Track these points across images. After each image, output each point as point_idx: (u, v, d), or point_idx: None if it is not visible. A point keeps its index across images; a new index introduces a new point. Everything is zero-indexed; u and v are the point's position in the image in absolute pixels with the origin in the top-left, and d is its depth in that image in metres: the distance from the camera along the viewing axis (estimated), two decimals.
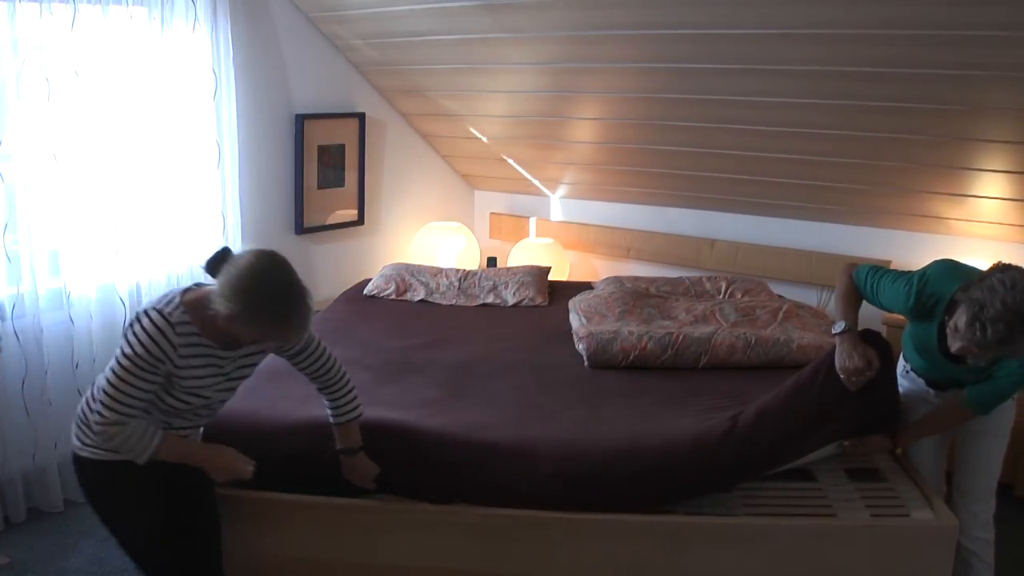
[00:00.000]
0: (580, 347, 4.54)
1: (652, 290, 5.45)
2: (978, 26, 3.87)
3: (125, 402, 2.77)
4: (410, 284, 5.79)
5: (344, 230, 6.52)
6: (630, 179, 6.45)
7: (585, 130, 6.13)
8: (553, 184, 7.03)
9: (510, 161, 6.88)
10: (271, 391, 3.87)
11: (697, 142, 5.63)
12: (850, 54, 4.37)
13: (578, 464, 3.35)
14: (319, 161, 6.15)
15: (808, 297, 5.80)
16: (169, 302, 2.84)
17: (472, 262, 6.94)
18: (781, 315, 4.79)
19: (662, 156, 5.96)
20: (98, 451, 2.93)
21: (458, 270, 5.99)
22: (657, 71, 5.10)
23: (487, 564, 3.07)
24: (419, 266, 6.05)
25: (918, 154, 4.95)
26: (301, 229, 6.14)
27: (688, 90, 5.16)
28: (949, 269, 3.21)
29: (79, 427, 2.99)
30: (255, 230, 5.78)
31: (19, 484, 4.63)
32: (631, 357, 4.42)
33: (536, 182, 7.06)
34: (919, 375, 3.54)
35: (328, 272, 6.45)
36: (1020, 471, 4.88)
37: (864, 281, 3.38)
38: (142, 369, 2.76)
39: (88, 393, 2.99)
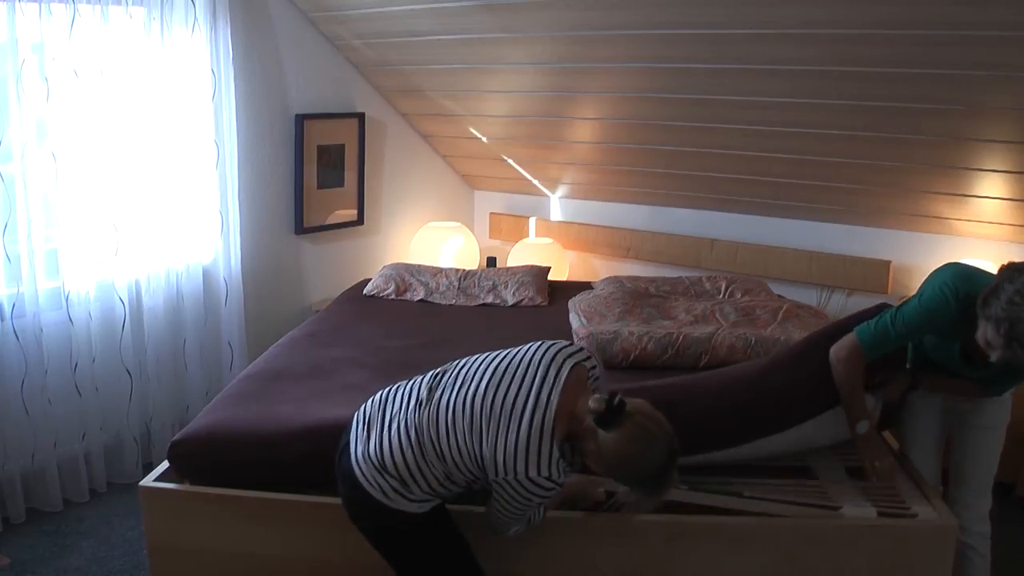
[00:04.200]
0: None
1: (652, 290, 5.44)
2: (979, 26, 3.86)
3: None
4: (410, 284, 5.79)
5: (344, 230, 6.52)
6: (630, 179, 6.45)
7: (585, 130, 6.13)
8: (553, 184, 7.03)
9: (510, 161, 6.88)
10: (270, 396, 3.87)
11: (697, 142, 5.63)
12: (850, 54, 4.37)
13: None
14: (319, 161, 6.15)
15: (808, 297, 5.80)
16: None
17: (472, 262, 6.93)
18: (781, 315, 4.78)
19: (662, 156, 5.96)
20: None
21: (458, 270, 5.98)
22: (657, 71, 5.10)
23: (484, 563, 3.06)
24: (419, 266, 6.04)
25: (918, 154, 4.95)
26: (301, 229, 6.14)
27: (688, 90, 5.16)
28: (960, 271, 3.18)
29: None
30: (254, 230, 5.79)
31: (18, 484, 4.62)
32: (631, 357, 4.42)
33: (536, 182, 7.06)
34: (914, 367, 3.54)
35: (328, 272, 6.45)
36: (1021, 471, 4.88)
37: (880, 339, 3.23)
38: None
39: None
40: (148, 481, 3.47)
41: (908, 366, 3.49)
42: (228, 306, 5.56)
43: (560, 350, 2.89)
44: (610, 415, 2.65)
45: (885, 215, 5.62)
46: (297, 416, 3.59)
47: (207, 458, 3.46)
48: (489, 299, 5.68)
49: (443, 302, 5.65)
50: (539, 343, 2.96)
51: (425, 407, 2.88)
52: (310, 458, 3.39)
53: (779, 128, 5.14)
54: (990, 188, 4.97)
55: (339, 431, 3.32)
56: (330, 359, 4.37)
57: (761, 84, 4.84)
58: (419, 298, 5.68)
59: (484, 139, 6.67)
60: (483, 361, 2.95)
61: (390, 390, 3.08)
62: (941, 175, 5.04)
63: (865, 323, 3.29)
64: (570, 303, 5.22)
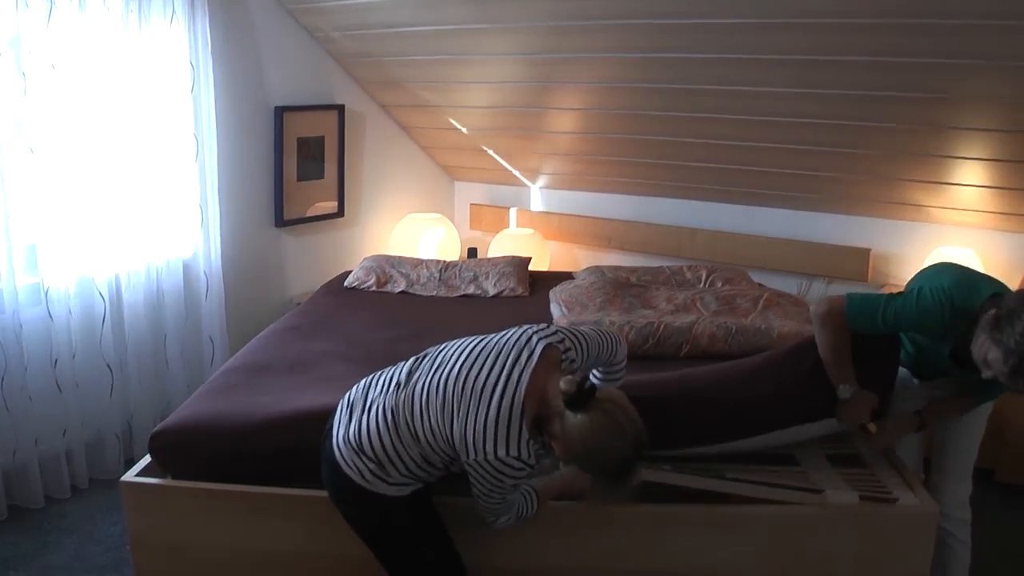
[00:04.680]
0: None
1: (633, 279, 5.45)
2: (958, 15, 3.88)
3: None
4: (391, 276, 5.78)
5: (324, 222, 6.51)
6: (611, 169, 6.46)
7: (565, 120, 6.13)
8: (533, 174, 7.03)
9: (490, 152, 6.87)
10: (252, 389, 3.85)
11: (677, 132, 5.64)
12: (830, 44, 4.38)
13: None
14: (298, 153, 6.13)
15: (788, 285, 5.81)
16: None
17: (453, 253, 6.94)
18: (762, 303, 4.79)
19: (642, 146, 5.97)
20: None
21: (439, 261, 5.98)
22: (637, 61, 5.11)
23: (468, 554, 3.06)
24: (400, 257, 6.03)
25: (897, 142, 4.97)
26: (281, 222, 6.13)
27: (668, 80, 5.16)
28: (961, 277, 3.15)
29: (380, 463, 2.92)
30: (234, 223, 5.78)
31: (0, 481, 4.61)
32: (619, 341, 4.41)
33: (516, 173, 7.06)
34: (903, 365, 3.54)
35: (308, 264, 6.44)
36: (1001, 457, 4.91)
37: (868, 317, 3.19)
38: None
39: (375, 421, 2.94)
40: (130, 476, 3.45)
41: (909, 408, 3.51)
42: (209, 300, 5.54)
43: (535, 332, 2.90)
44: (579, 398, 2.66)
45: (864, 203, 5.64)
46: (277, 407, 3.58)
47: (187, 450, 3.45)
48: (470, 290, 5.67)
49: (424, 293, 5.65)
50: (516, 327, 2.97)
51: (402, 390, 2.90)
52: (291, 449, 3.38)
53: (759, 117, 5.15)
54: (968, 176, 5.00)
55: (321, 422, 3.32)
56: (312, 352, 4.36)
57: (741, 74, 4.84)
58: (400, 290, 5.67)
59: (464, 130, 6.67)
60: (460, 345, 2.97)
61: (375, 375, 3.10)
62: (920, 163, 5.06)
63: (860, 294, 3.26)
64: (551, 293, 5.22)
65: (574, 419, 2.65)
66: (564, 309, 4.85)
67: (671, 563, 3.33)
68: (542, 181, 7.07)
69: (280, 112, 5.92)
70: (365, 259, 6.04)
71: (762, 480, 3.33)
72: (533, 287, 5.76)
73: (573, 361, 2.93)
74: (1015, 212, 5.15)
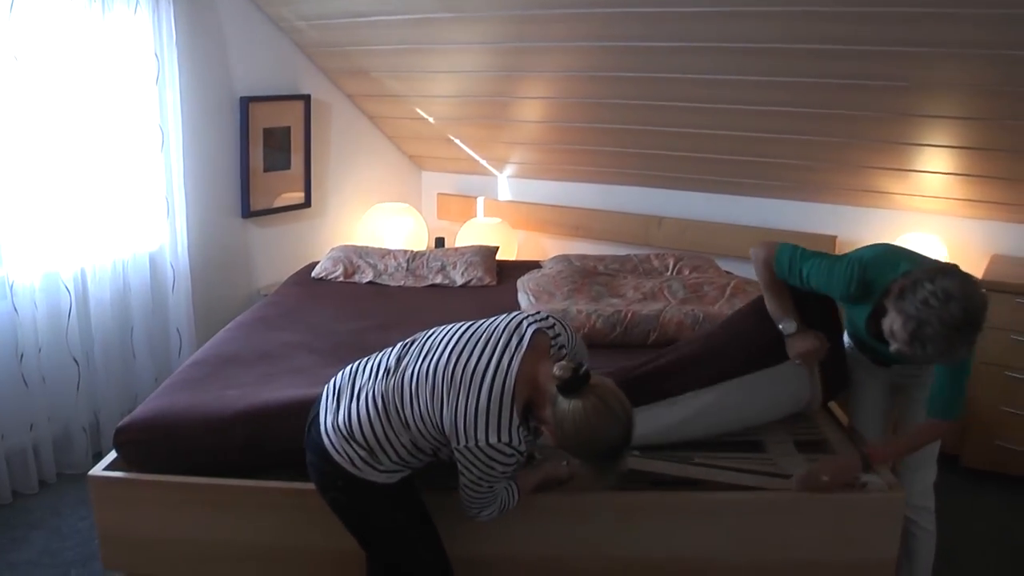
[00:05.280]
0: None
1: (600, 268, 5.47)
2: (919, 3, 3.91)
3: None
4: (358, 266, 5.77)
5: (291, 213, 6.48)
6: (577, 158, 6.47)
7: (532, 109, 6.13)
8: (500, 164, 7.03)
9: (457, 141, 6.87)
10: (218, 381, 3.85)
11: (644, 120, 5.65)
12: (795, 32, 4.40)
13: None
14: (264, 144, 6.11)
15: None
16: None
17: (420, 243, 6.93)
18: (729, 291, 4.82)
19: (609, 135, 5.98)
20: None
21: (406, 251, 5.98)
22: (603, 50, 5.11)
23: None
24: (367, 248, 6.03)
25: (863, 130, 5.00)
26: (247, 212, 6.11)
27: (635, 68, 5.17)
28: (886, 254, 3.18)
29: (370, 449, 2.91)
30: (201, 215, 5.75)
31: None
32: (580, 335, 4.43)
33: (483, 162, 7.06)
34: (862, 352, 3.57)
35: (275, 255, 6.42)
36: (967, 442, 4.95)
37: (788, 268, 3.32)
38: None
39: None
40: (97, 470, 3.44)
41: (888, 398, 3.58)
42: (175, 292, 5.52)
43: (525, 318, 2.90)
44: (574, 383, 2.65)
45: (830, 190, 5.67)
46: (243, 399, 3.58)
47: (153, 444, 3.44)
48: (438, 280, 5.67)
49: (392, 284, 5.64)
50: (506, 313, 2.97)
51: (392, 376, 2.89)
52: (257, 441, 3.39)
53: (725, 105, 5.17)
54: (932, 163, 5.04)
55: (286, 413, 3.35)
56: (279, 343, 4.35)
57: (707, 62, 4.86)
58: (368, 280, 5.67)
59: (431, 120, 6.65)
60: (449, 330, 2.96)
61: (361, 362, 3.08)
62: (885, 150, 5.10)
63: (791, 246, 3.36)
64: (519, 282, 5.23)
65: (567, 404, 2.64)
66: (532, 298, 4.86)
67: (640, 550, 3.35)
68: (509, 170, 7.07)
69: (246, 102, 5.89)
70: (332, 249, 6.03)
71: (730, 466, 3.36)
72: (501, 276, 5.77)
73: (563, 347, 2.94)
74: (979, 199, 5.20)
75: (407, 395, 2.83)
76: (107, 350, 5.17)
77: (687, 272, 5.40)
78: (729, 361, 3.51)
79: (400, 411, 2.83)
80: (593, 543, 3.33)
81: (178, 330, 5.56)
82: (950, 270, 2.87)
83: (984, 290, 2.86)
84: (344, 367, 3.15)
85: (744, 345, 3.54)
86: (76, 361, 4.98)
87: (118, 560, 3.47)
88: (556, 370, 2.69)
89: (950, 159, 4.97)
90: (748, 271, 5.62)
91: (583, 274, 5.21)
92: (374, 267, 5.76)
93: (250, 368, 4.02)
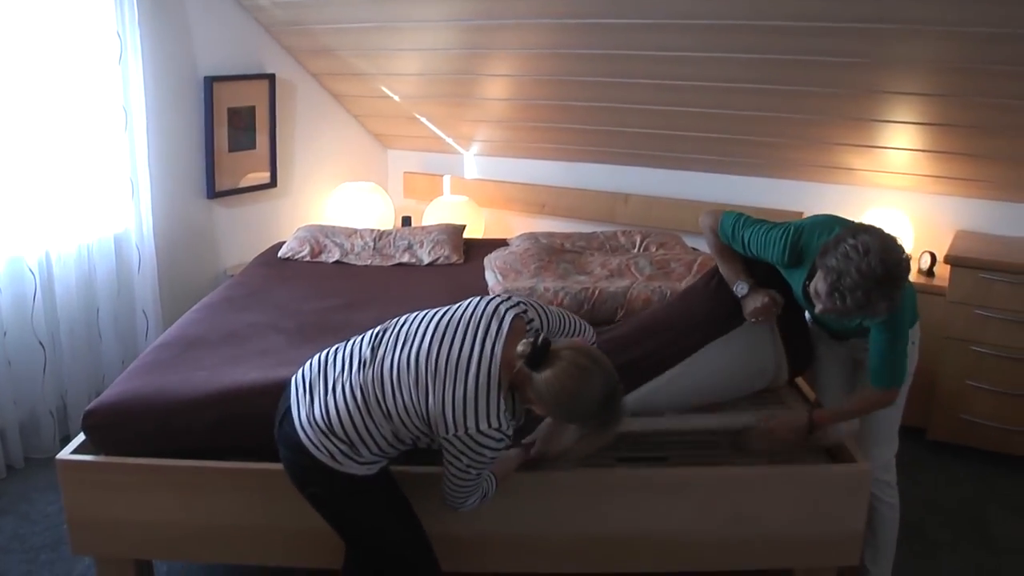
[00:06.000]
0: None
1: (567, 245, 5.47)
2: None
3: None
4: (325, 245, 5.76)
5: (257, 193, 6.46)
6: (543, 135, 6.47)
7: (497, 87, 6.12)
8: (466, 142, 7.02)
9: (423, 119, 6.85)
10: (185, 363, 3.83)
11: (609, 97, 5.65)
12: (760, 9, 4.41)
13: None
14: (229, 124, 6.07)
15: None
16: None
17: (387, 222, 6.91)
18: (696, 267, 4.84)
19: (575, 112, 5.98)
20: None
21: (373, 230, 5.95)
22: (568, 27, 5.11)
23: None
24: (333, 227, 6.00)
25: (828, 107, 5.02)
26: (213, 193, 6.08)
27: (601, 46, 5.17)
28: (825, 222, 3.23)
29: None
30: (165, 196, 5.72)
31: None
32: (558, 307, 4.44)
33: (449, 140, 7.05)
34: (820, 327, 3.61)
35: (241, 236, 6.40)
36: (933, 416, 5.00)
37: (731, 234, 3.42)
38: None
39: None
40: (65, 454, 3.42)
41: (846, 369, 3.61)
42: (141, 274, 5.49)
43: (501, 303, 2.90)
44: (536, 356, 2.67)
45: (796, 167, 5.70)
46: (211, 381, 3.57)
47: (121, 427, 3.42)
48: (405, 259, 5.66)
49: (359, 263, 5.63)
50: (478, 298, 2.97)
51: (369, 367, 2.87)
52: (225, 423, 3.39)
53: (691, 82, 5.18)
54: (899, 139, 5.07)
55: (254, 395, 3.35)
56: (246, 324, 4.34)
57: (672, 39, 4.87)
58: (334, 259, 5.65)
59: (396, 98, 6.64)
60: (424, 318, 2.95)
61: (328, 353, 3.06)
62: (851, 127, 5.13)
63: (735, 214, 3.48)
64: (486, 260, 5.24)
65: (540, 377, 2.66)
66: (499, 276, 4.87)
67: (608, 527, 3.38)
68: (475, 148, 7.07)
69: (210, 82, 5.86)
70: (299, 229, 6.01)
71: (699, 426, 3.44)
72: (468, 254, 5.76)
73: (538, 331, 2.94)
74: (944, 175, 5.24)
75: (388, 386, 2.82)
76: (73, 333, 5.13)
77: (654, 249, 5.42)
78: (688, 329, 3.57)
79: (381, 402, 2.82)
80: (561, 520, 3.35)
81: (144, 312, 5.54)
82: (871, 228, 2.92)
83: (906, 254, 2.89)
84: (311, 354, 3.14)
85: (702, 312, 3.60)
86: (42, 345, 4.94)
87: (87, 544, 3.46)
88: (519, 347, 2.72)
89: (915, 135, 5.00)
90: None
91: (550, 252, 5.22)
92: (341, 246, 5.75)
93: (217, 349, 4.00)
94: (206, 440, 3.40)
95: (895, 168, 5.32)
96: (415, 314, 3.01)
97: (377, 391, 2.83)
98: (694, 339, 3.55)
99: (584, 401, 2.68)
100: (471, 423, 2.71)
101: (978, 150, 4.94)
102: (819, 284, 2.92)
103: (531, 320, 2.93)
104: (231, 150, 6.14)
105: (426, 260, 5.63)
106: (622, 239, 5.61)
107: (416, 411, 2.79)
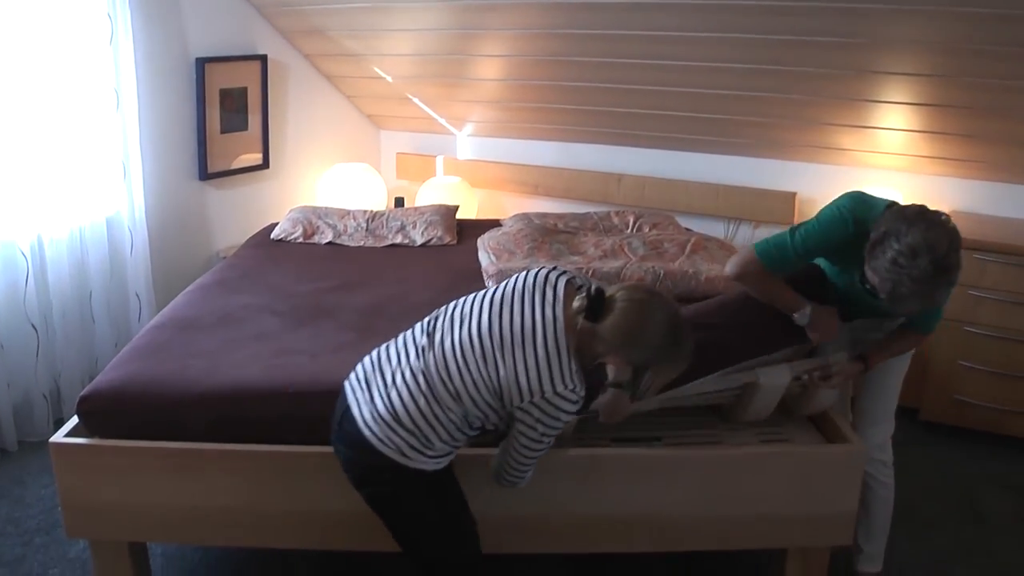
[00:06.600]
0: (490, 285, 4.53)
1: (561, 226, 5.46)
2: None
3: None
4: (317, 227, 5.75)
5: (249, 174, 6.45)
6: (536, 116, 6.46)
7: (490, 67, 6.11)
8: (459, 122, 7.01)
9: (415, 100, 6.84)
10: (180, 347, 3.81)
11: (603, 77, 5.65)
12: None
13: None
14: (221, 105, 6.06)
15: (715, 229, 5.88)
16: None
17: (380, 203, 6.91)
18: (689, 248, 4.83)
19: (568, 92, 5.97)
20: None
21: (365, 211, 5.94)
22: (560, 7, 5.10)
23: None
24: (326, 208, 5.99)
25: (821, 87, 5.02)
26: (205, 175, 6.07)
27: (593, 26, 5.16)
28: (858, 197, 3.19)
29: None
30: (158, 178, 5.71)
31: None
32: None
33: (442, 121, 7.03)
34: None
35: (234, 217, 6.39)
36: (925, 395, 5.02)
37: (776, 255, 3.24)
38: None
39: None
40: (59, 437, 3.40)
41: (851, 352, 3.51)
42: (134, 256, 5.48)
43: (549, 272, 2.90)
44: (595, 306, 2.69)
45: (790, 147, 5.70)
46: (211, 376, 3.53)
47: (117, 414, 3.40)
48: (398, 240, 5.65)
49: (352, 244, 5.62)
50: (525, 272, 2.95)
51: (429, 351, 2.84)
52: (223, 425, 3.36)
53: (684, 63, 5.18)
54: (891, 120, 5.07)
55: (254, 396, 3.34)
56: (239, 306, 4.33)
57: (665, 19, 4.86)
58: (327, 241, 5.64)
59: (389, 78, 6.62)
60: (475, 299, 2.93)
61: (379, 350, 3.02)
62: (844, 107, 5.13)
63: (764, 239, 3.29)
64: (479, 241, 5.22)
65: (604, 325, 2.68)
66: (492, 256, 4.86)
67: (603, 508, 3.37)
68: (468, 129, 7.05)
69: (202, 63, 5.84)
70: (291, 211, 5.99)
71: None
72: (461, 235, 5.76)
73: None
74: (938, 156, 5.24)
75: (453, 365, 2.79)
76: (66, 316, 5.12)
77: (647, 229, 5.41)
78: (741, 338, 3.44)
79: (448, 383, 2.79)
80: (556, 501, 3.35)
81: (137, 294, 5.53)
82: (912, 219, 2.87)
83: (951, 224, 2.88)
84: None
85: (760, 324, 3.44)
86: (35, 328, 4.94)
87: (82, 527, 3.45)
88: (575, 305, 2.74)
89: (909, 116, 5.00)
90: (708, 227, 5.71)
91: (543, 232, 5.21)
92: (334, 228, 5.74)
93: (212, 333, 3.98)
94: (203, 437, 3.38)
95: (889, 149, 5.32)
96: (463, 299, 2.98)
97: (442, 373, 2.80)
98: (744, 350, 3.43)
99: (651, 332, 2.69)
100: (547, 386, 2.69)
101: (971, 131, 4.95)
102: (876, 283, 2.90)
103: (580, 286, 2.90)
104: (223, 131, 6.12)
105: (419, 241, 5.63)
106: (615, 220, 5.60)
107: (487, 385, 2.76)
